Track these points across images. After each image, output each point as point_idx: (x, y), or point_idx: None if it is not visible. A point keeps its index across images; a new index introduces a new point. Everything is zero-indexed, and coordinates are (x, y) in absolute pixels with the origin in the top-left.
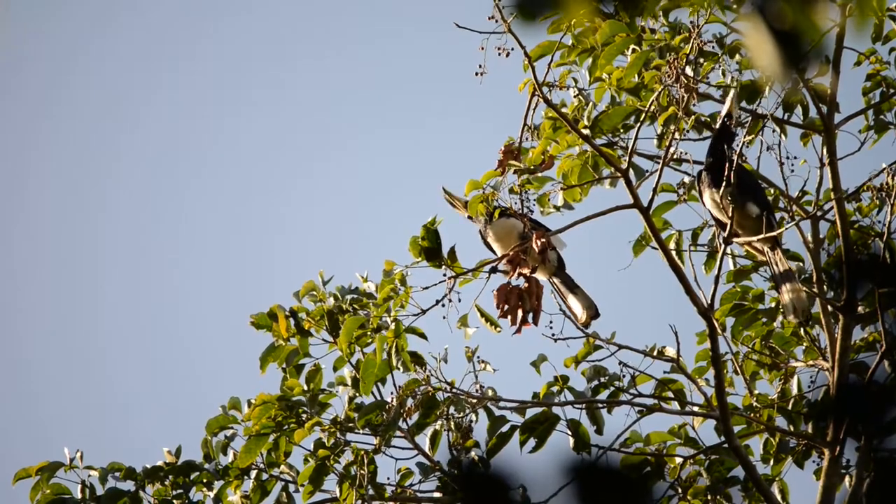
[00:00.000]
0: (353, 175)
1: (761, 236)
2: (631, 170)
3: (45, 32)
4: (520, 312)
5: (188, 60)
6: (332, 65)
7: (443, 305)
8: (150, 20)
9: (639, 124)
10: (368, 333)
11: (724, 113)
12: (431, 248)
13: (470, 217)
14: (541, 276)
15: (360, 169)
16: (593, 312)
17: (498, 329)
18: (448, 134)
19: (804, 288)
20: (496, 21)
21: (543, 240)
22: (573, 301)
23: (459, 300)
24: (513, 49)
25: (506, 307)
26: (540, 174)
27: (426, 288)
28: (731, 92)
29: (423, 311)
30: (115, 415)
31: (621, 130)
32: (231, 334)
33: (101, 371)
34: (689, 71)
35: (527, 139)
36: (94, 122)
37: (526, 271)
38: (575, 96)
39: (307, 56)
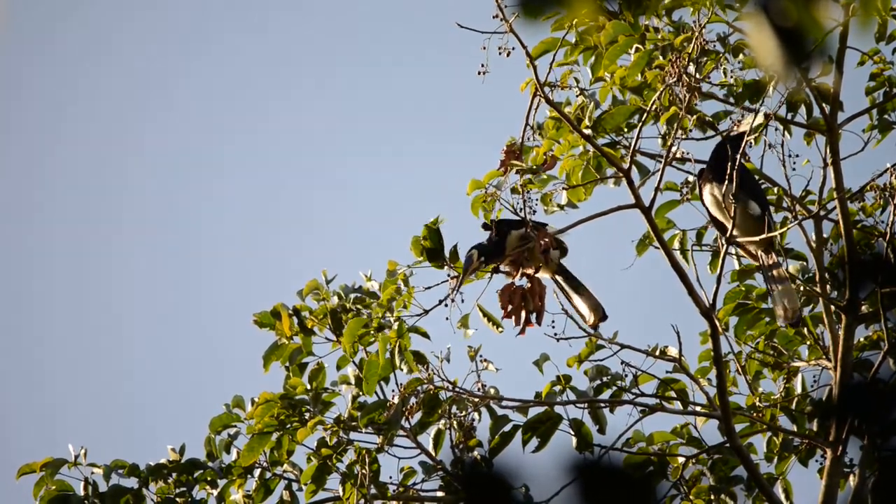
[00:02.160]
0: (354, 174)
1: (760, 237)
2: (633, 169)
3: (64, 31)
4: (523, 313)
5: (205, 65)
6: (340, 65)
7: (445, 305)
8: (170, 19)
9: (641, 124)
10: (371, 332)
11: (742, 127)
12: (433, 249)
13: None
14: (543, 275)
15: (361, 168)
16: (601, 315)
17: (500, 329)
18: (448, 134)
19: (795, 287)
20: (499, 19)
21: (546, 239)
22: (579, 302)
23: (462, 300)
24: (514, 48)
25: (510, 308)
26: (543, 174)
27: (428, 288)
28: (751, 118)
29: (426, 312)
30: (119, 412)
31: (625, 130)
32: (234, 333)
33: (105, 369)
34: (691, 69)
35: (529, 139)
36: (109, 123)
37: (529, 271)
38: (578, 96)
39: (314, 56)
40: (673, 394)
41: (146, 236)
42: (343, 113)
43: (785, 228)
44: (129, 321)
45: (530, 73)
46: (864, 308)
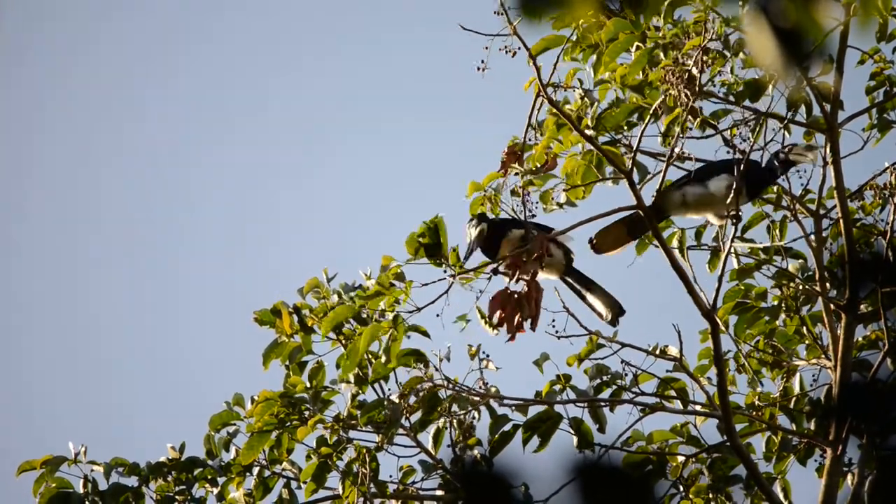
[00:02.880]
0: (356, 176)
1: (762, 245)
2: (634, 169)
3: (45, 31)
4: (516, 319)
5: (193, 58)
6: (334, 63)
7: (438, 316)
8: (148, 21)
9: (644, 125)
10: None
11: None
12: (432, 245)
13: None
14: (552, 276)
15: (363, 170)
16: (618, 311)
17: (496, 331)
18: (452, 133)
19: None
20: (501, 15)
21: (544, 243)
22: (593, 300)
23: (455, 303)
24: (518, 49)
25: (501, 315)
26: (543, 173)
27: (425, 284)
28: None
29: (419, 309)
30: (120, 410)
31: (625, 128)
32: (235, 331)
33: (106, 367)
34: (694, 70)
35: (531, 140)
36: (96, 120)
37: (526, 276)
38: (581, 97)
39: (310, 54)
40: (673, 393)
41: (145, 235)
42: (341, 112)
43: (782, 243)
44: (127, 321)
45: (533, 68)
46: (863, 307)
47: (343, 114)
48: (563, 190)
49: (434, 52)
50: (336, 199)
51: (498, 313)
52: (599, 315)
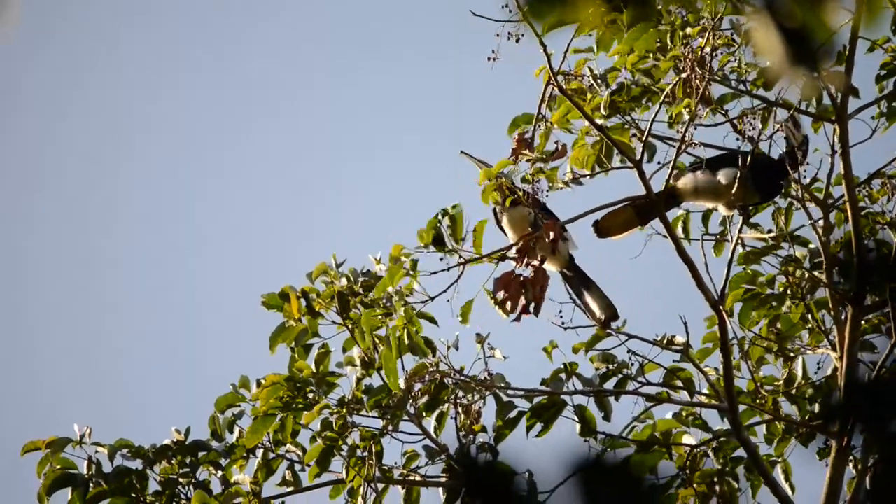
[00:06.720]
0: (355, 175)
1: (768, 234)
2: (644, 153)
3: (60, 34)
4: (521, 301)
5: (211, 61)
6: (343, 68)
7: (448, 301)
8: (166, 24)
9: (656, 110)
10: (380, 317)
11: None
12: (440, 235)
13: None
14: (552, 268)
15: (363, 169)
16: (611, 314)
17: (504, 312)
18: (460, 129)
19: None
20: (510, 11)
21: (555, 230)
22: (589, 299)
23: (465, 292)
24: (523, 35)
25: (505, 295)
26: (553, 160)
27: (434, 273)
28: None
29: (431, 299)
30: (128, 393)
31: (637, 110)
32: (244, 315)
33: (114, 350)
34: (706, 54)
35: (540, 129)
36: (115, 118)
37: (535, 262)
38: (593, 79)
39: (321, 66)
40: (679, 383)
41: (148, 229)
42: (345, 114)
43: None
44: (137, 302)
45: (538, 67)
46: (872, 297)
47: (360, 119)
48: (573, 179)
49: (442, 49)
50: (341, 197)
51: (501, 293)
52: (593, 315)
